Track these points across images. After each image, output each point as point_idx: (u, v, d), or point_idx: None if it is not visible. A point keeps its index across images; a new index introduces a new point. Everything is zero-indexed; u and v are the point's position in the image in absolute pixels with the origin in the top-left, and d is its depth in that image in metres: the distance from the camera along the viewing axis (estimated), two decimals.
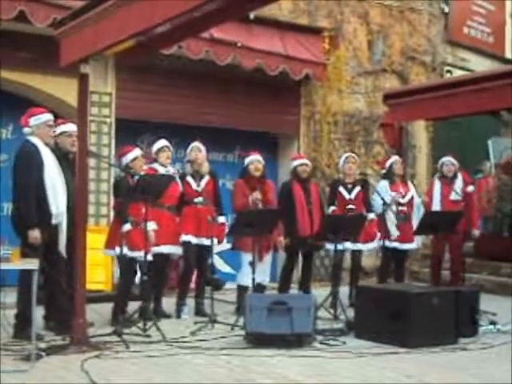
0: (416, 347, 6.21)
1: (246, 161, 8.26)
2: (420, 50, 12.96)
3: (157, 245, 7.41)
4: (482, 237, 11.37)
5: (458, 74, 13.15)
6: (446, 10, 13.60)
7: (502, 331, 7.10)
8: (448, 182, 9.17)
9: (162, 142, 7.90)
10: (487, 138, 14.05)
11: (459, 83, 9.72)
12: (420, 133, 12.91)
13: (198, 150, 8.01)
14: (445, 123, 12.87)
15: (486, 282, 10.38)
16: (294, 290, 8.76)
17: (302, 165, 8.64)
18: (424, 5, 13.12)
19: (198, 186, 7.91)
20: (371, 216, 8.67)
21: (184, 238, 7.78)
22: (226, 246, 8.63)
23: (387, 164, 9.22)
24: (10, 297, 6.35)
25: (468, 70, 13.51)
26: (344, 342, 6.49)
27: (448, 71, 13.46)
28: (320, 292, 8.28)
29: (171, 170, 7.84)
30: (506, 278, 10.34)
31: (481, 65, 13.85)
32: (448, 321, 6.53)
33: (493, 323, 7.32)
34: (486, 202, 11.71)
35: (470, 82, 9.54)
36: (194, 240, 7.79)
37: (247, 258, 7.88)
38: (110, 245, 7.17)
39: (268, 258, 8.16)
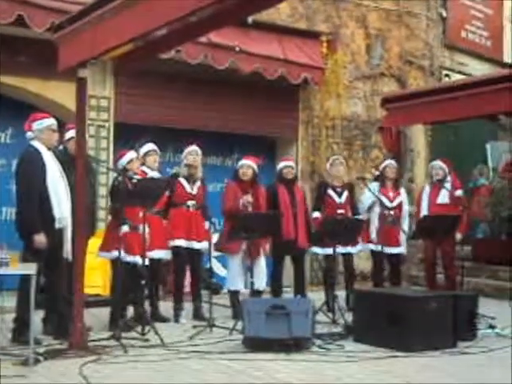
0: (414, 351, 6.21)
1: (238, 164, 8.28)
2: (418, 54, 12.98)
3: (149, 249, 7.39)
4: (480, 240, 11.40)
5: (456, 78, 13.16)
6: (444, 14, 13.63)
7: (501, 335, 7.10)
8: (436, 186, 9.17)
9: (149, 146, 7.90)
10: (485, 142, 14.07)
11: (457, 87, 9.74)
12: (418, 137, 12.92)
13: (196, 153, 8.03)
14: (443, 127, 12.88)
15: (484, 285, 10.37)
16: (290, 294, 8.72)
17: (286, 167, 8.62)
18: (422, 9, 13.14)
19: (192, 189, 7.92)
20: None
21: (176, 242, 7.78)
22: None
23: (381, 167, 9.24)
24: (9, 301, 6.34)
25: (466, 74, 13.52)
26: (342, 346, 6.48)
27: (446, 75, 13.47)
28: (318, 296, 8.28)
29: (156, 173, 7.83)
30: (505, 282, 10.34)
31: (479, 69, 13.87)
32: (446, 325, 6.53)
33: (491, 327, 7.33)
34: (484, 207, 11.71)
35: (468, 86, 9.56)
36: (184, 244, 7.80)
37: (234, 261, 7.93)
38: (105, 248, 7.17)
39: (262, 263, 8.13)
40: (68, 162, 6.67)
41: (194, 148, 8.05)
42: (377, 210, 8.77)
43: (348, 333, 6.92)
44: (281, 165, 8.72)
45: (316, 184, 10.90)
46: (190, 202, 7.89)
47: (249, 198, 8.02)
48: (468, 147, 13.74)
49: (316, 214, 8.71)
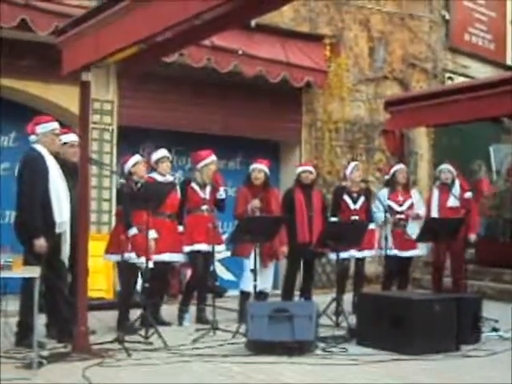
0: (418, 354, 6.20)
1: (250, 168, 8.29)
2: (421, 56, 12.98)
3: (158, 253, 7.40)
4: (484, 243, 11.37)
5: (459, 80, 13.16)
6: (447, 16, 13.63)
7: (505, 338, 7.09)
8: (445, 189, 9.18)
9: (162, 152, 7.90)
10: (488, 144, 14.05)
11: (460, 90, 9.72)
12: (421, 139, 12.92)
13: (215, 163, 8.07)
14: (446, 130, 12.88)
15: (488, 288, 10.36)
16: (295, 297, 8.73)
17: (305, 172, 8.65)
18: (425, 12, 13.14)
19: (205, 193, 7.94)
20: (371, 226, 8.64)
21: (197, 247, 7.78)
22: (225, 253, 8.62)
23: (391, 171, 9.21)
24: (12, 305, 6.34)
25: (469, 76, 13.53)
26: (346, 349, 6.48)
27: (449, 78, 13.47)
28: (322, 299, 8.27)
29: (170, 178, 7.86)
30: (508, 285, 10.33)
31: (482, 71, 13.87)
32: (450, 328, 6.52)
33: (495, 330, 7.32)
34: (488, 209, 11.70)
35: (471, 88, 9.54)
36: (206, 248, 7.80)
37: (249, 263, 7.91)
38: (111, 250, 7.17)
39: (270, 265, 8.15)
40: (61, 166, 6.65)
41: (214, 157, 8.07)
42: (388, 216, 8.73)
43: (351, 336, 6.92)
44: (299, 169, 8.76)
45: (319, 186, 10.92)
46: (204, 207, 7.91)
47: (257, 203, 8.03)
48: (471, 150, 13.72)
49: (333, 220, 8.67)
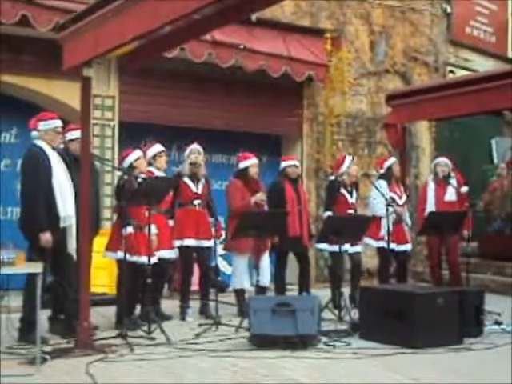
0: (421, 348, 6.20)
1: (246, 163, 8.22)
2: (422, 50, 12.95)
3: (158, 249, 7.39)
4: (487, 237, 11.37)
5: (460, 74, 13.13)
6: (449, 10, 13.58)
7: (507, 331, 7.09)
8: (442, 183, 9.16)
9: (159, 147, 7.87)
10: (490, 137, 14.05)
11: (462, 83, 9.70)
12: (423, 133, 12.89)
13: (197, 152, 8.03)
14: (448, 123, 12.86)
15: (490, 282, 10.36)
16: (293, 291, 8.71)
17: (290, 166, 8.63)
18: (426, 5, 13.11)
19: (197, 188, 7.93)
20: None
21: (186, 242, 7.79)
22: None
23: (386, 165, 9.18)
24: (15, 300, 6.35)
25: (471, 70, 13.49)
26: (349, 343, 6.48)
27: (451, 71, 13.44)
28: (325, 293, 8.28)
29: (162, 174, 7.82)
30: (511, 278, 10.31)
31: (483, 65, 13.84)
32: (453, 321, 6.53)
33: (498, 323, 7.33)
34: (489, 203, 11.69)
35: (472, 82, 9.52)
36: (194, 243, 7.82)
37: (241, 260, 7.98)
38: (111, 247, 7.16)
39: (266, 259, 8.14)
40: (69, 161, 6.67)
41: (195, 147, 8.05)
42: (389, 208, 8.71)
43: (354, 330, 6.92)
44: (284, 164, 8.70)
45: (321, 180, 10.91)
46: (196, 201, 7.91)
47: (262, 196, 8.04)
48: (473, 143, 13.72)
49: (329, 214, 8.64)
